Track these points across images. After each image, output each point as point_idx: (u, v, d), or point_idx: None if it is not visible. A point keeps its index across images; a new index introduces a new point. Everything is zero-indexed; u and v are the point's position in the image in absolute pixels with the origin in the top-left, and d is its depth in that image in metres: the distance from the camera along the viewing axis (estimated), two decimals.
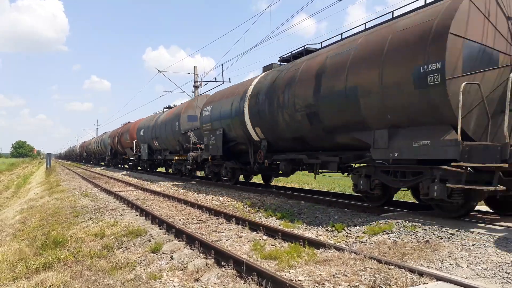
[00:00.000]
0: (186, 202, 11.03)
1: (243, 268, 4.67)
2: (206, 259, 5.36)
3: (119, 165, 37.96)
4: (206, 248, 5.70)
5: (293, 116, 10.08)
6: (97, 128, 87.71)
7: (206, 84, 42.89)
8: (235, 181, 14.97)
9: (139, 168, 30.44)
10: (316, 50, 10.93)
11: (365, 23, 9.01)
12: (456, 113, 6.17)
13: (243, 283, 4.40)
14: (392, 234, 6.33)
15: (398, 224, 6.82)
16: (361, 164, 8.82)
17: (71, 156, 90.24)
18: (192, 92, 28.68)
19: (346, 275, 4.31)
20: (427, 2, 7.70)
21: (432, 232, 6.14)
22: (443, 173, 6.53)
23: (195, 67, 28.91)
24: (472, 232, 5.85)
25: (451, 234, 5.91)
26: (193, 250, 5.84)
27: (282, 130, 10.91)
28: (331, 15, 20.78)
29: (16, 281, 5.85)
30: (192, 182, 17.68)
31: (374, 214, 7.97)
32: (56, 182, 22.49)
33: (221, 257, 5.27)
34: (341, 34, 9.83)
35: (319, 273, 4.44)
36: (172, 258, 5.54)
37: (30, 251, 7.39)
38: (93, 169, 38.24)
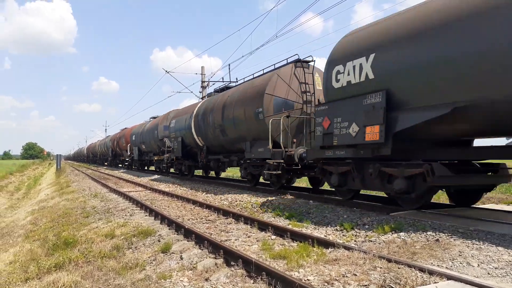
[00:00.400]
0: (194, 202, 11.08)
1: (252, 268, 4.68)
2: (215, 259, 5.38)
3: (119, 165, 43.03)
4: (215, 248, 5.72)
5: (214, 131, 15.78)
6: (105, 129, 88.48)
7: (213, 84, 42.95)
8: (192, 175, 20.73)
9: (133, 167, 34.94)
10: (233, 87, 16.67)
11: (274, 64, 13.25)
12: (272, 134, 11.74)
13: (253, 283, 4.42)
14: (401, 233, 6.30)
15: (408, 223, 6.79)
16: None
17: (79, 157, 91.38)
18: (200, 92, 28.79)
19: (355, 275, 4.30)
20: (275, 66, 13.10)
21: (442, 231, 6.10)
22: (268, 165, 12.09)
23: (202, 67, 29.00)
24: (483, 230, 5.80)
25: (461, 233, 5.87)
26: (202, 250, 5.87)
27: (211, 139, 16.57)
28: (338, 13, 20.73)
29: (28, 281, 5.92)
30: (168, 176, 22.96)
31: (383, 213, 7.93)
32: (66, 183, 22.71)
33: (230, 256, 5.29)
34: (244, 78, 15.38)
35: (329, 273, 4.43)
36: (181, 258, 5.57)
37: (42, 251, 7.48)
38: (99, 169, 38.62)
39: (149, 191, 15.28)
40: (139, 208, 10.63)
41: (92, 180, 23.78)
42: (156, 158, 25.25)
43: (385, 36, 7.61)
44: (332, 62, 8.78)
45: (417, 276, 4.16)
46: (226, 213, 9.05)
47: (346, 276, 4.28)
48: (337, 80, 8.55)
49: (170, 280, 4.69)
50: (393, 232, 6.42)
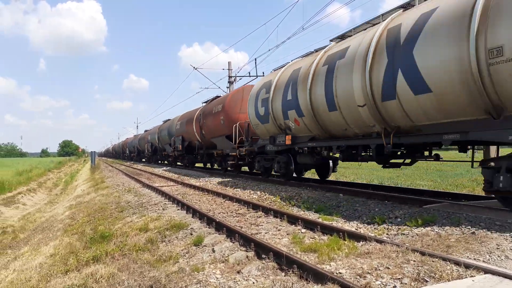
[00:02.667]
0: (224, 196, 11.21)
1: (283, 261, 4.71)
2: (247, 251, 5.44)
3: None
4: (246, 241, 5.78)
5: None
6: (137, 126, 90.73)
7: (240, 79, 43.09)
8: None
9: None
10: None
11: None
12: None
13: (284, 275, 4.44)
14: (435, 226, 6.16)
15: (442, 216, 6.64)
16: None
17: (113, 154, 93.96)
18: (227, 87, 28.95)
19: (388, 268, 4.25)
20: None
21: (478, 224, 5.93)
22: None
23: (229, 62, 29.12)
24: None
25: (499, 225, 5.68)
26: (233, 243, 5.95)
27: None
28: (365, 3, 20.31)
29: (68, 273, 6.19)
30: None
31: (416, 205, 7.78)
32: (101, 179, 23.45)
33: (261, 249, 5.34)
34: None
35: (361, 266, 4.40)
36: (213, 251, 5.66)
37: (80, 245, 7.79)
38: (134, 165, 39.55)
39: (180, 186, 15.57)
40: (171, 202, 10.86)
41: (126, 175, 24.44)
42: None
43: None
44: None
45: (453, 270, 4.07)
46: (255, 206, 9.11)
47: (379, 269, 4.24)
48: None
49: (203, 272, 4.79)
50: (426, 225, 6.29)
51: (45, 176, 36.48)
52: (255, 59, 24.39)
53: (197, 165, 28.15)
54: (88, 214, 11.19)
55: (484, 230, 5.58)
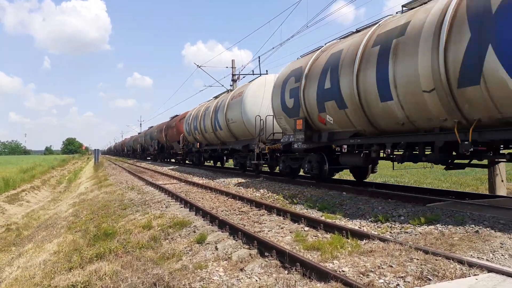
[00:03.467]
0: (227, 194, 11.23)
1: (286, 259, 4.71)
2: (250, 249, 5.45)
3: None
4: (249, 238, 5.79)
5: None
6: (140, 124, 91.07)
7: (244, 77, 43.07)
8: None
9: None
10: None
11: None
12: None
13: (287, 273, 4.45)
14: (439, 224, 6.15)
15: (445, 214, 6.62)
16: None
17: (117, 152, 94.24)
18: (230, 86, 28.94)
19: (391, 266, 4.25)
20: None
21: (482, 222, 5.91)
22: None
23: (232, 60, 29.13)
24: None
25: (503, 224, 5.66)
26: (236, 240, 5.95)
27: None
28: (370, 1, 20.25)
29: (72, 270, 6.21)
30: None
31: (419, 204, 7.76)
32: (104, 176, 23.53)
33: (264, 247, 5.34)
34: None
35: (364, 264, 4.40)
36: (216, 249, 5.67)
37: (83, 242, 7.82)
38: (138, 163, 39.64)
39: (183, 184, 15.60)
40: (174, 200, 10.89)
41: (129, 173, 24.51)
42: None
43: None
44: None
45: (456, 268, 4.06)
46: (258, 204, 9.12)
47: (382, 268, 4.23)
48: None
49: (206, 270, 4.80)
50: (430, 223, 6.28)
51: (49, 174, 36.64)
52: (259, 57, 24.40)
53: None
54: (92, 212, 11.23)
55: (488, 228, 5.56)
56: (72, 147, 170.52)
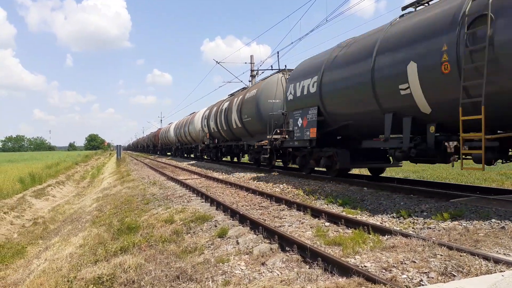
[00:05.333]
0: (247, 189, 11.28)
1: (308, 254, 4.72)
2: (270, 244, 5.48)
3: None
4: (270, 233, 5.82)
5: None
6: (161, 120, 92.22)
7: (262, 72, 43.06)
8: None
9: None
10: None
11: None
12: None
13: (308, 268, 4.46)
14: (463, 220, 6.04)
15: (469, 210, 6.50)
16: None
17: (139, 148, 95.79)
18: (249, 81, 28.95)
19: (414, 262, 4.21)
20: None
21: (508, 218, 5.78)
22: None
23: (251, 56, 29.11)
24: None
25: None
26: (257, 235, 5.99)
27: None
28: None
29: (97, 263, 6.37)
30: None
31: (443, 199, 7.63)
32: (127, 172, 23.94)
33: (285, 242, 5.36)
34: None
35: (386, 260, 4.37)
36: (237, 243, 5.73)
37: (108, 236, 8.00)
38: (159, 159, 40.16)
39: (203, 179, 15.76)
40: (195, 195, 11.01)
41: (150, 169, 24.89)
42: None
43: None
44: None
45: (481, 265, 3.99)
46: (278, 199, 9.14)
47: (405, 263, 4.20)
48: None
49: (228, 264, 4.86)
50: (453, 219, 6.18)
51: (73, 169, 37.52)
52: (278, 52, 24.31)
53: None
54: (115, 206, 11.47)
55: None
56: (94, 143, 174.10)
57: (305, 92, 12.45)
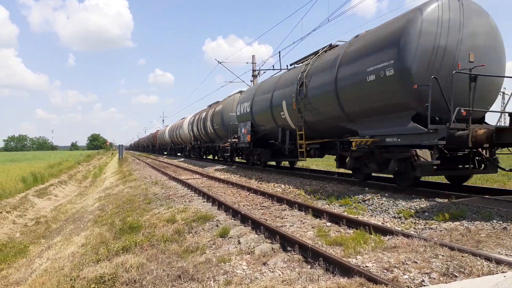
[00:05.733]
0: (249, 189, 11.29)
1: (309, 253, 4.73)
2: (272, 244, 5.49)
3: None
4: (271, 233, 5.83)
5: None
6: (163, 120, 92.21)
7: (264, 72, 43.04)
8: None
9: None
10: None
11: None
12: None
13: (310, 268, 4.47)
14: (464, 220, 6.04)
15: (471, 210, 6.50)
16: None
17: (141, 147, 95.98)
18: (251, 81, 28.96)
19: (416, 262, 4.21)
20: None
21: (510, 219, 5.78)
22: None
23: (253, 56, 29.11)
24: None
25: None
26: (258, 235, 6.00)
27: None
28: None
29: (99, 262, 6.39)
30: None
31: (444, 200, 7.62)
32: (129, 171, 23.98)
33: (287, 242, 5.37)
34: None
35: (388, 260, 4.37)
36: (239, 243, 5.74)
37: (110, 235, 8.02)
38: (160, 158, 40.19)
39: (205, 178, 15.78)
40: (197, 195, 11.03)
41: (152, 168, 24.92)
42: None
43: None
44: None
45: (483, 265, 3.99)
46: (280, 199, 9.14)
47: (406, 264, 4.20)
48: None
49: (229, 263, 4.87)
50: (455, 219, 6.17)
51: (75, 169, 37.60)
52: (279, 52, 24.35)
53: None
54: (117, 206, 11.49)
55: None
56: (96, 143, 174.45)
57: (244, 111, 18.35)
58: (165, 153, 53.83)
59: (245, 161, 20.97)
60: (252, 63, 29.00)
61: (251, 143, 17.63)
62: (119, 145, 55.16)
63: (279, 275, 4.34)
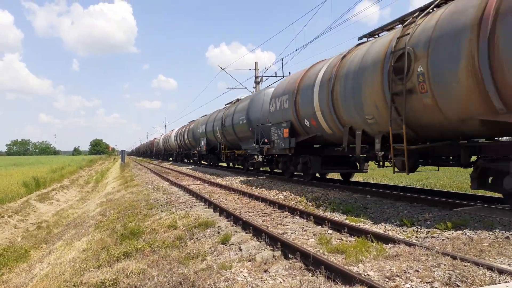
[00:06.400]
0: (250, 196, 11.28)
1: (311, 261, 4.72)
2: (273, 251, 5.48)
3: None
4: (273, 240, 5.81)
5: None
6: (165, 125, 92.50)
7: (266, 79, 43.21)
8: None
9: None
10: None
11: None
12: None
13: (311, 276, 4.45)
14: (466, 229, 6.01)
15: (473, 219, 6.47)
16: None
17: (140, 153, 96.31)
18: (253, 88, 29.04)
19: (418, 271, 4.19)
20: None
21: None
22: None
23: (255, 63, 29.21)
24: None
25: None
26: (260, 242, 5.99)
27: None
28: (395, 1, 19.89)
29: (100, 268, 6.38)
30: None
31: (446, 208, 7.60)
32: (130, 177, 24.00)
33: (288, 249, 5.36)
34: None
35: (389, 268, 4.35)
36: (240, 249, 5.73)
37: (111, 241, 8.01)
38: (163, 164, 40.20)
39: (207, 185, 15.77)
40: (198, 201, 11.02)
41: (154, 174, 24.94)
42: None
43: None
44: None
45: (486, 275, 3.97)
46: (281, 206, 9.13)
47: (408, 272, 4.18)
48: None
49: (230, 270, 4.85)
50: (457, 228, 6.15)
51: (77, 174, 37.66)
52: (282, 59, 24.41)
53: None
54: (119, 211, 11.49)
55: None
56: (99, 148, 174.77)
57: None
58: (160, 157, 63.20)
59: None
60: (255, 70, 29.11)
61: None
62: (121, 150, 55.29)
63: (280, 282, 4.33)
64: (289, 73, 24.28)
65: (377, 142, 9.34)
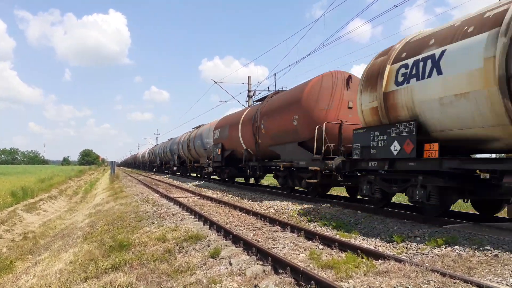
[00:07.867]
0: (241, 209, 11.24)
1: (301, 276, 4.69)
2: (264, 266, 5.44)
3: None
4: (263, 255, 5.79)
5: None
6: (156, 137, 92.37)
7: (259, 93, 43.49)
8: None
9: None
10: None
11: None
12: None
13: None
14: (456, 246, 6.05)
15: (463, 236, 6.51)
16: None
17: (134, 164, 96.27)
18: (246, 101, 29.18)
19: None
20: None
21: (501, 246, 5.80)
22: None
23: (248, 77, 29.42)
24: None
25: None
26: (250, 256, 5.95)
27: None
28: (387, 20, 20.29)
29: (87, 280, 6.28)
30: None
31: (436, 225, 7.65)
32: (120, 188, 23.77)
33: (278, 264, 5.33)
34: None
35: (379, 285, 4.35)
36: (230, 264, 5.68)
37: (99, 252, 7.90)
38: (153, 176, 39.95)
39: (197, 197, 15.68)
40: (188, 214, 10.95)
41: (144, 185, 24.74)
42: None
43: None
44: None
45: None
46: (272, 221, 9.10)
47: None
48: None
49: (220, 285, 4.81)
50: (447, 245, 6.18)
51: (66, 184, 37.18)
52: (275, 74, 24.62)
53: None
54: (107, 223, 11.35)
55: (508, 252, 5.45)
56: (88, 158, 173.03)
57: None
58: (144, 168, 71.92)
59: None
60: (248, 84, 29.30)
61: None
62: (111, 161, 54.89)
63: None
64: (281, 87, 24.55)
65: None
